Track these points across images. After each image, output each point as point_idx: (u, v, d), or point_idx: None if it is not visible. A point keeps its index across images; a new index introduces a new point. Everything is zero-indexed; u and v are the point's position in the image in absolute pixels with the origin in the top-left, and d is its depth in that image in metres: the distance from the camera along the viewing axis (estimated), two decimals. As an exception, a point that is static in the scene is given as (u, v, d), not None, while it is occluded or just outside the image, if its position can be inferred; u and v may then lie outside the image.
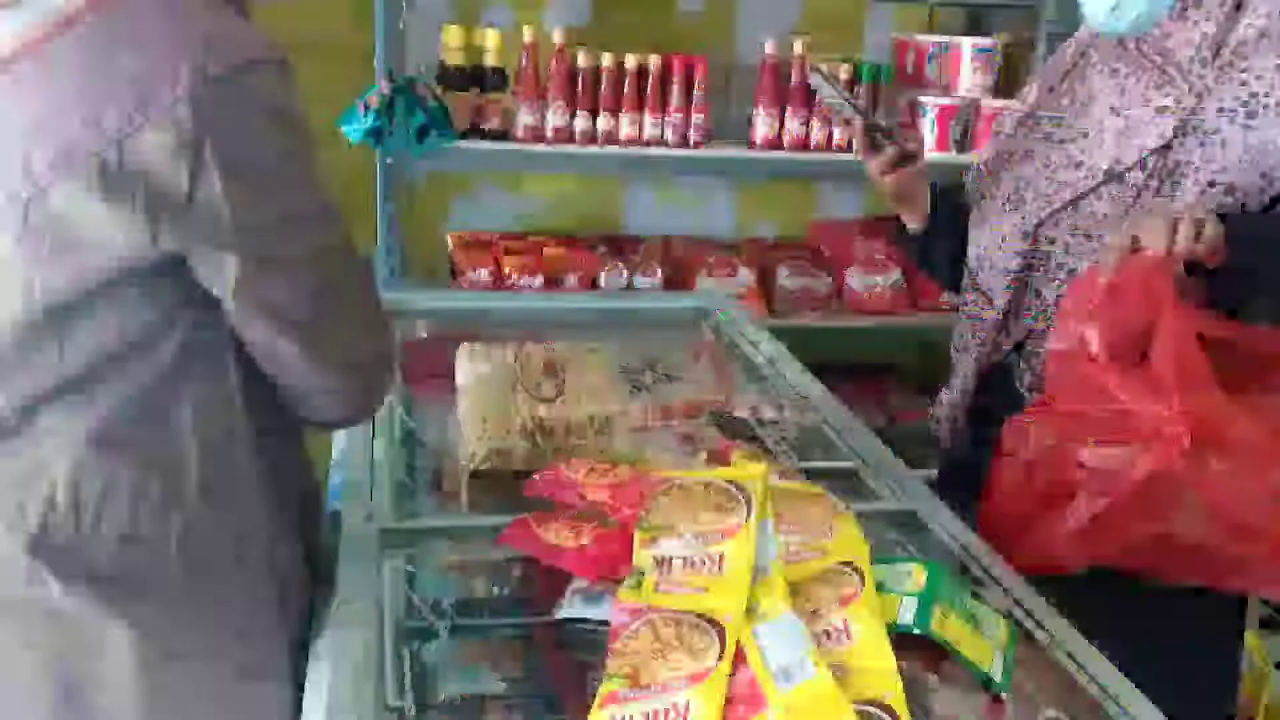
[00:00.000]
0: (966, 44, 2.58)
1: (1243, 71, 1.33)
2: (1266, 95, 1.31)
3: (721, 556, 0.98)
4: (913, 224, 1.64)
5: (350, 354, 1.04)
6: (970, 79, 2.58)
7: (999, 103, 2.57)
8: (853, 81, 2.50)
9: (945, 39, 2.64)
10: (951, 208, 1.63)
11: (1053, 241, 1.45)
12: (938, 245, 1.63)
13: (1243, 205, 1.32)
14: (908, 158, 1.54)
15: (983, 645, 0.95)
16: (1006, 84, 2.71)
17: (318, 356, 1.00)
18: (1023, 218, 1.47)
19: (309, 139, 0.97)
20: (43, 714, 0.98)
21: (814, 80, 1.59)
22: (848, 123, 1.54)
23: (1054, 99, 1.53)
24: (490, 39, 2.31)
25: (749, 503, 1.02)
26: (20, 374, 0.93)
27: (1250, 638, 2.41)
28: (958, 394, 1.60)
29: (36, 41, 0.87)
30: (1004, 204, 1.51)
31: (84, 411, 0.95)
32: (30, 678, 0.98)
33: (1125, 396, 1.19)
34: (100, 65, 0.86)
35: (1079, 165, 1.43)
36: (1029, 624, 1.10)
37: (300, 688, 1.07)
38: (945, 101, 2.56)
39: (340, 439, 1.45)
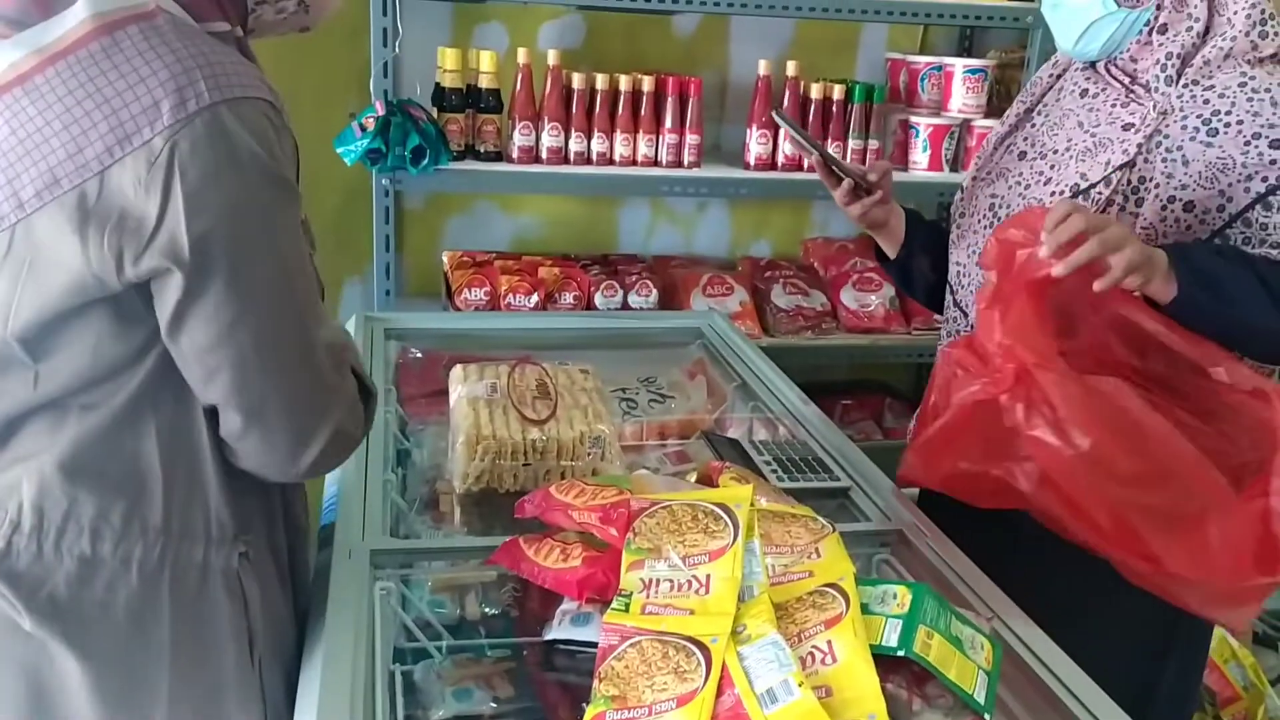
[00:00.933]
0: (959, 65, 2.60)
1: (1207, 90, 1.35)
2: (1228, 113, 1.33)
3: (708, 578, 0.99)
4: (888, 249, 1.67)
5: (270, 410, 0.99)
6: (962, 99, 2.59)
7: (990, 122, 2.59)
8: (845, 102, 2.51)
9: (938, 60, 2.66)
10: (928, 230, 1.65)
11: None
12: (915, 266, 1.65)
13: (1201, 221, 1.34)
14: (866, 189, 1.57)
15: (967, 666, 0.96)
16: (998, 104, 2.73)
17: (237, 404, 0.98)
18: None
19: (283, 184, 0.97)
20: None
21: (777, 119, 1.65)
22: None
23: (1031, 118, 1.55)
24: (485, 61, 2.33)
25: (735, 525, 1.03)
26: None
27: (1245, 655, 2.41)
28: None
29: (29, 72, 0.89)
30: (979, 221, 1.53)
31: (54, 437, 0.97)
32: (4, 685, 0.99)
33: (987, 330, 1.24)
34: (87, 98, 0.89)
35: (1049, 182, 1.46)
36: (1014, 645, 1.11)
37: (269, 710, 1.07)
38: (937, 121, 2.58)
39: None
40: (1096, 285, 1.20)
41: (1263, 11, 1.36)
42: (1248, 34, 1.35)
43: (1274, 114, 1.31)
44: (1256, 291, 1.25)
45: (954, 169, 2.62)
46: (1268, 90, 1.32)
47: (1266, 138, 1.30)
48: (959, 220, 1.59)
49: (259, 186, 0.94)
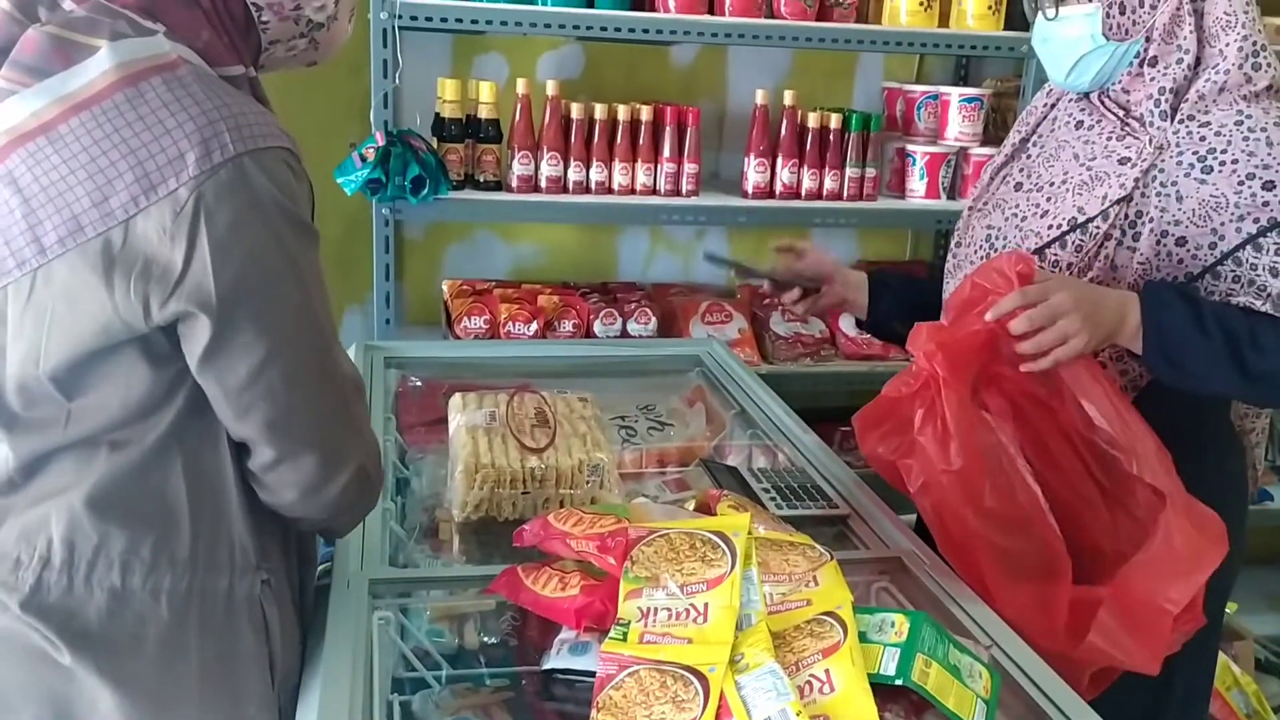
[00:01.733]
0: (955, 94, 2.62)
1: (1203, 126, 1.36)
2: (1223, 151, 1.34)
3: (706, 607, 0.99)
4: (859, 315, 1.73)
5: (301, 442, 1.02)
6: (958, 127, 2.61)
7: (987, 150, 2.60)
8: (842, 130, 2.53)
9: (934, 89, 2.68)
10: (892, 293, 1.70)
11: None
12: (889, 328, 1.72)
13: (1194, 257, 1.35)
14: (816, 288, 1.67)
15: (965, 695, 0.96)
16: (995, 132, 2.75)
17: (269, 439, 1.00)
18: None
19: (304, 228, 1.00)
20: None
21: (711, 263, 1.78)
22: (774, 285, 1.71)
23: (1026, 149, 1.57)
24: (484, 91, 2.34)
25: (733, 553, 1.03)
26: (27, 435, 0.99)
27: (1248, 682, 2.40)
28: None
29: (52, 121, 0.91)
30: (975, 251, 1.54)
31: (84, 473, 0.99)
32: (34, 716, 1.00)
33: (916, 337, 1.34)
34: (112, 147, 0.91)
35: (1045, 214, 1.46)
36: (1013, 673, 1.10)
37: None
38: (934, 149, 2.60)
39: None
40: (1023, 367, 1.29)
41: (1254, 44, 1.37)
42: (1240, 66, 1.36)
43: (1269, 154, 1.32)
44: (1222, 364, 1.27)
45: (951, 196, 2.63)
46: (1264, 130, 1.33)
47: (1260, 179, 1.31)
48: (955, 250, 1.60)
49: (281, 231, 0.96)
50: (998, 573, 1.27)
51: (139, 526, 0.99)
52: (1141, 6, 1.38)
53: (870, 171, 2.56)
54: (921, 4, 2.46)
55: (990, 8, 2.48)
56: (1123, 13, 1.38)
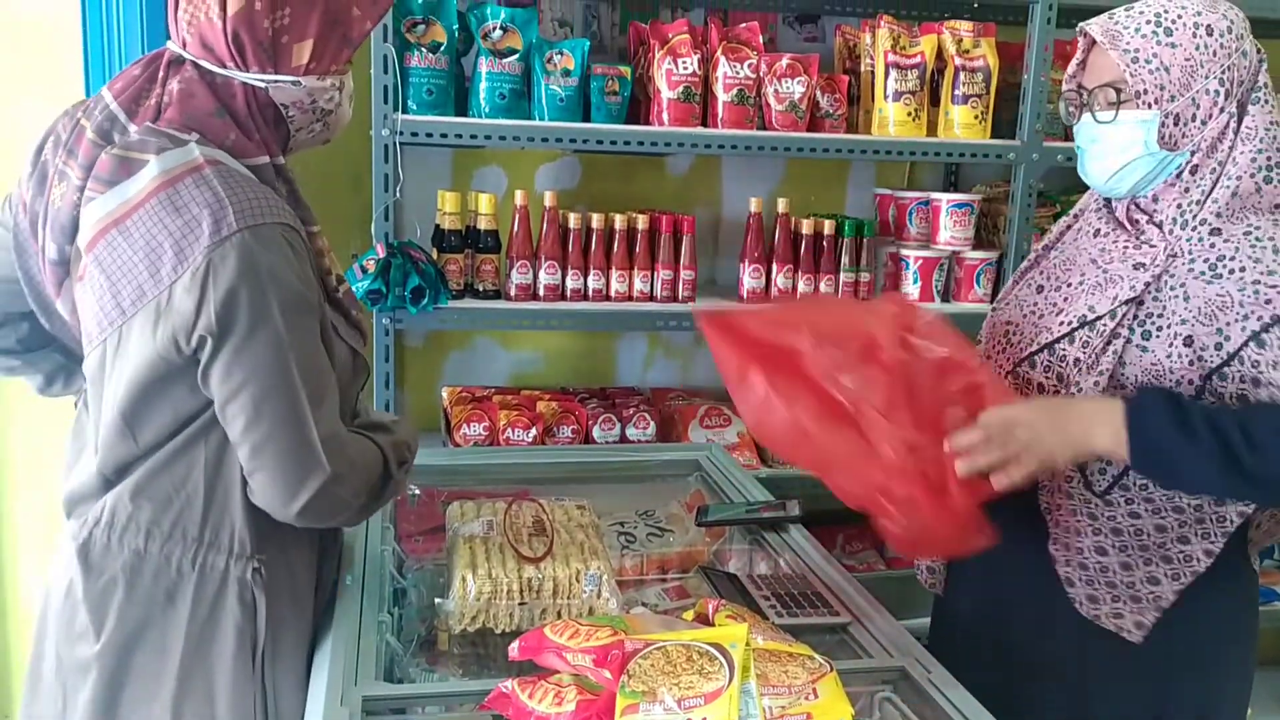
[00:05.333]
0: (945, 200, 2.67)
1: (1213, 234, 1.39)
2: (1231, 259, 1.37)
3: (704, 722, 0.97)
4: None
5: (267, 456, 1.24)
6: (950, 232, 2.65)
7: (979, 254, 2.65)
8: (835, 236, 2.57)
9: (924, 195, 2.73)
10: None
11: (1029, 382, 1.49)
12: None
13: (1199, 358, 1.36)
14: None
15: (971, 811, 0.94)
16: (986, 236, 2.80)
17: (244, 451, 1.24)
18: (1007, 359, 1.52)
19: (290, 292, 1.24)
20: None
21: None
22: None
23: (1048, 254, 1.60)
24: (483, 203, 2.39)
25: (730, 665, 1.01)
26: (110, 453, 1.30)
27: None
28: None
29: (121, 217, 1.23)
30: (994, 346, 1.58)
31: (136, 467, 1.30)
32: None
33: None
34: (160, 233, 1.21)
35: (1060, 312, 1.50)
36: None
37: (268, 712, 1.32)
38: (926, 254, 2.64)
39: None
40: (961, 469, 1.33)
41: (1269, 159, 1.39)
42: (1252, 175, 1.38)
43: (1274, 261, 1.34)
44: (1214, 465, 1.27)
45: (945, 299, 2.66)
46: (1271, 239, 1.36)
47: (1264, 282, 1.33)
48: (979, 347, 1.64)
49: (268, 290, 1.22)
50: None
51: (163, 504, 1.29)
52: (1193, 121, 1.40)
53: (865, 275, 2.60)
54: (909, 114, 2.52)
55: (976, 117, 2.55)
56: (1176, 124, 1.40)
